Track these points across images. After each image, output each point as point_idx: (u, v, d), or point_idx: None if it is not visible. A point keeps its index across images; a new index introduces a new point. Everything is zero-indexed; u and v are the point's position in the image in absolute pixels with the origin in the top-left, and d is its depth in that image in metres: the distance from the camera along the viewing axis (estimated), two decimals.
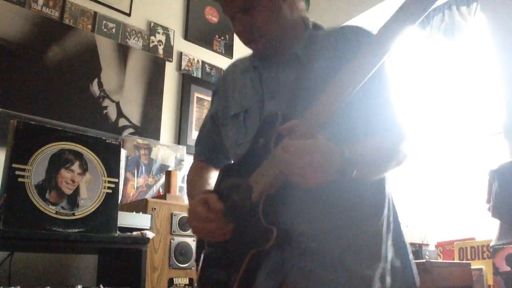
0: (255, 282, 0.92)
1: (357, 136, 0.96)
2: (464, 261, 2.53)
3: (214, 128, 1.23)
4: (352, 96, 0.78)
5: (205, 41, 3.26)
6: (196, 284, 1.05)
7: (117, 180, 1.81)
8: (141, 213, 2.00)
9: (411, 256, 1.02)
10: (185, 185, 2.82)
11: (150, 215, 1.99)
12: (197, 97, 3.08)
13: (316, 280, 0.90)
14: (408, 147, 0.94)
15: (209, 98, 1.45)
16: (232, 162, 1.16)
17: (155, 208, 2.08)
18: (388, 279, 0.93)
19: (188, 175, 1.27)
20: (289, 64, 1.05)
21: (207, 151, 1.26)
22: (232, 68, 1.25)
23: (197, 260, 1.09)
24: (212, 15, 3.35)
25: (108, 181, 1.78)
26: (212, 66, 3.22)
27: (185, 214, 2.15)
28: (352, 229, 0.93)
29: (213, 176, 1.20)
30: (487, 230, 2.50)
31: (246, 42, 1.08)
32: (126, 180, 2.55)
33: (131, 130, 2.72)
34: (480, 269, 2.47)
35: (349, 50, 0.99)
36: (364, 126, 0.97)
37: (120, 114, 2.69)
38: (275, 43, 1.05)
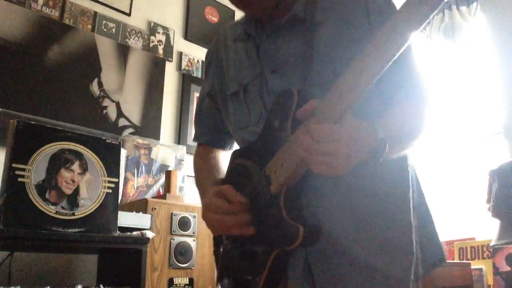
0: (283, 284, 0.84)
1: (380, 105, 0.86)
2: (464, 261, 2.53)
3: (213, 105, 1.09)
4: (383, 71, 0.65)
5: (205, 41, 3.26)
6: (216, 280, 0.98)
7: (117, 180, 1.81)
8: (141, 213, 2.00)
9: (437, 229, 0.94)
10: (185, 185, 2.83)
11: (150, 215, 1.99)
12: (197, 97, 3.07)
13: (347, 285, 0.82)
14: (431, 114, 0.86)
15: None
16: (243, 147, 1.01)
17: (155, 208, 2.08)
18: (421, 270, 0.86)
19: (194, 163, 1.15)
20: (290, 31, 0.91)
21: (208, 132, 1.13)
22: (222, 35, 1.09)
23: (215, 253, 1.00)
24: (212, 15, 3.35)
25: (108, 181, 1.78)
26: None
27: (185, 214, 2.15)
28: (381, 224, 0.83)
29: (221, 160, 1.09)
30: (487, 230, 2.50)
31: (237, 2, 0.92)
32: (126, 180, 2.55)
33: (131, 130, 2.72)
34: (480, 269, 2.47)
35: (358, 9, 0.89)
36: (386, 95, 0.87)
37: (120, 114, 2.69)
38: (270, 1, 0.90)
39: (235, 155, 0.99)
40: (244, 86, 0.96)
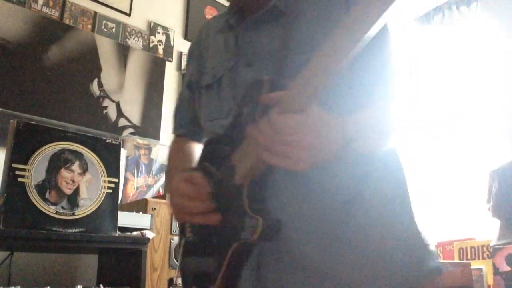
0: (239, 281, 0.81)
1: (353, 104, 0.81)
2: (464, 261, 2.53)
3: (191, 97, 1.08)
4: (352, 56, 0.61)
5: None
6: (177, 274, 0.96)
7: (117, 180, 1.81)
8: (141, 213, 2.00)
9: (425, 237, 0.83)
10: None
11: (150, 215, 1.99)
12: None
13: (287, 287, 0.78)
14: (405, 114, 0.83)
15: None
16: (215, 137, 0.98)
17: (155, 208, 2.08)
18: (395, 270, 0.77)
19: (168, 153, 1.14)
20: (270, 22, 0.89)
21: (186, 124, 1.12)
22: (206, 27, 1.09)
23: (179, 245, 0.97)
24: (212, 15, 3.35)
25: (108, 181, 1.78)
26: None
27: None
28: (336, 227, 0.78)
29: (196, 152, 1.06)
30: (487, 230, 2.50)
31: None
32: (126, 180, 2.55)
33: (131, 130, 2.72)
34: (480, 269, 2.47)
35: (339, 1, 0.85)
36: (360, 94, 0.83)
37: (120, 114, 2.69)
38: None
39: (206, 144, 0.97)
40: (219, 78, 0.94)
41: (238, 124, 0.83)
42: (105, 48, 2.69)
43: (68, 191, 1.67)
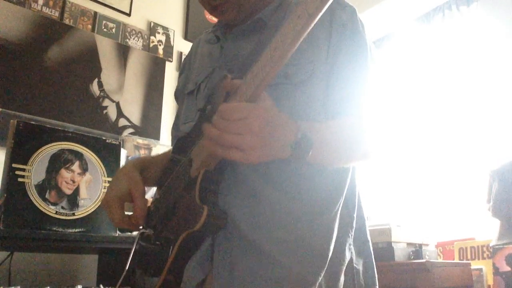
0: (185, 270, 0.82)
1: (316, 115, 0.84)
2: (464, 261, 2.53)
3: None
4: (295, 49, 0.63)
5: None
6: (127, 266, 0.95)
7: None
8: None
9: (372, 256, 0.92)
10: None
11: None
12: None
13: (239, 275, 0.78)
14: (374, 142, 0.84)
15: None
16: (183, 135, 1.01)
17: None
18: (342, 279, 0.83)
19: None
20: (254, 33, 0.93)
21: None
22: (197, 42, 1.14)
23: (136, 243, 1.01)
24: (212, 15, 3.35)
25: (108, 181, 1.78)
26: None
27: None
28: (293, 224, 0.80)
29: None
30: (487, 230, 2.50)
31: (209, 8, 0.95)
32: None
33: (131, 130, 2.72)
34: (480, 269, 2.47)
35: (323, 20, 0.85)
36: (326, 106, 0.85)
37: (120, 114, 2.69)
38: (242, 7, 0.93)
39: (176, 142, 1.00)
40: (199, 84, 0.98)
41: (201, 120, 0.85)
42: (105, 48, 2.69)
43: (68, 191, 1.67)
